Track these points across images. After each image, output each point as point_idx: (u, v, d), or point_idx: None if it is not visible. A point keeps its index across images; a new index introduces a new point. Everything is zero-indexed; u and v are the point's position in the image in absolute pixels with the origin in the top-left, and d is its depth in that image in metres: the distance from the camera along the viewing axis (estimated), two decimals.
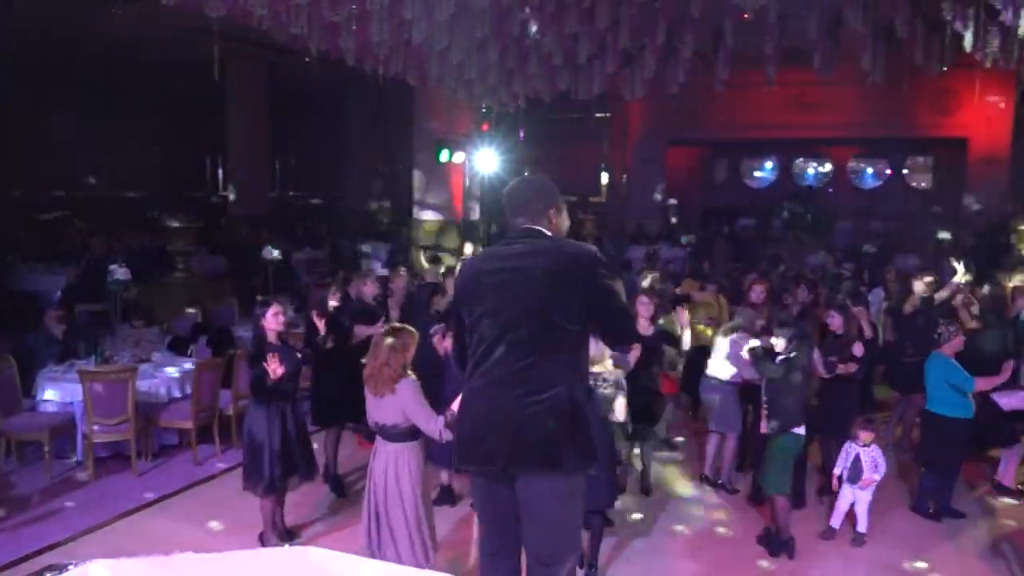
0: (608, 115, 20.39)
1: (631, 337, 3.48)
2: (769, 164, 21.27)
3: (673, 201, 20.34)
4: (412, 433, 4.28)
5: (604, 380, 4.94)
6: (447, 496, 6.02)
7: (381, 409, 4.26)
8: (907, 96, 16.63)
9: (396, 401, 4.20)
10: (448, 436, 3.94)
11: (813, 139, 18.91)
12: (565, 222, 3.26)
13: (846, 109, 17.23)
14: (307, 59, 12.27)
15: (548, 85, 12.04)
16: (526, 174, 3.51)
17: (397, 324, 4.60)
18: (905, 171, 20.11)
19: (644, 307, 6.08)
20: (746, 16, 8.56)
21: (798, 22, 10.30)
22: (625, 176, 21.32)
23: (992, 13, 9.42)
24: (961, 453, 5.93)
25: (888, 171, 20.34)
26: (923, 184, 20.04)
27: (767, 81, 12.58)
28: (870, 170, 20.51)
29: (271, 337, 5.16)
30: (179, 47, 13.54)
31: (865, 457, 5.44)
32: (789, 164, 20.96)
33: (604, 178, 22.32)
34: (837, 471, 5.58)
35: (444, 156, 14.70)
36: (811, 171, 20.98)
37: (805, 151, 20.42)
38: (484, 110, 13.73)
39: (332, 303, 6.11)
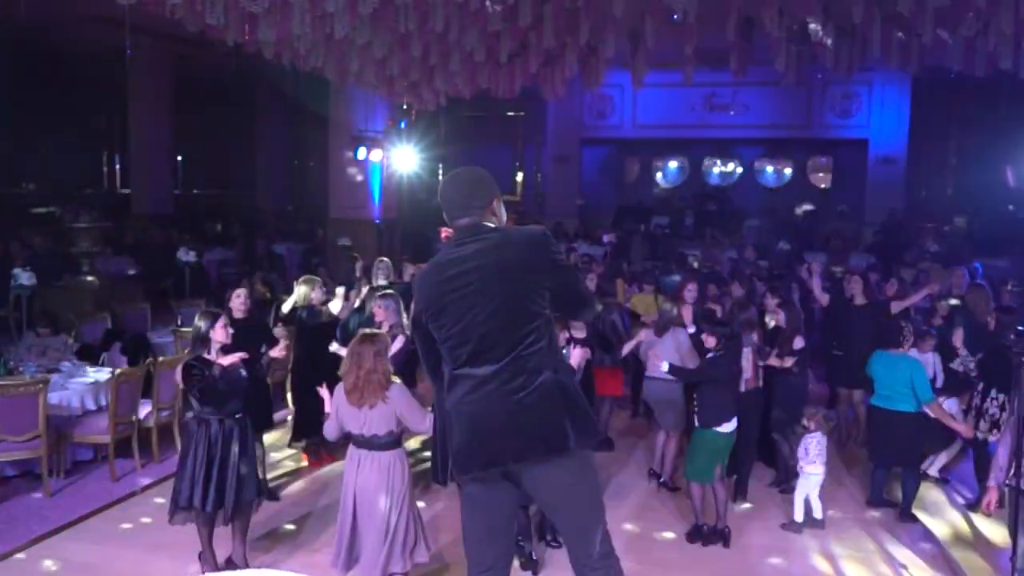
0: (522, 114, 20.43)
1: (593, 308, 3.45)
2: (674, 164, 21.65)
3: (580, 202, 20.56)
4: (400, 438, 4.23)
5: None
6: None
7: (369, 419, 4.14)
8: (812, 98, 17.36)
9: (388, 408, 4.12)
10: None
11: (723, 139, 19.38)
12: (503, 211, 3.25)
13: (755, 110, 17.76)
14: (224, 52, 11.84)
15: (469, 83, 11.93)
16: (456, 171, 3.36)
17: (368, 331, 4.42)
18: (809, 170, 20.85)
19: None
20: (676, 16, 8.63)
21: (714, 24, 10.52)
22: (539, 175, 21.44)
23: (897, 19, 9.86)
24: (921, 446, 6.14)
25: (788, 170, 20.98)
26: (823, 184, 20.81)
27: (684, 82, 12.87)
28: (770, 168, 21.12)
29: (214, 352, 4.78)
30: (80, 35, 12.81)
31: (813, 445, 5.62)
32: (699, 163, 21.42)
33: (519, 177, 22.36)
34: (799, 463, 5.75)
35: (362, 154, 14.40)
36: (717, 170, 21.49)
37: (715, 151, 20.93)
38: (404, 107, 13.50)
39: (239, 307, 5.79)
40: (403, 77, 11.19)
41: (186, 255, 10.06)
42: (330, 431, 4.36)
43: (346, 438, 4.34)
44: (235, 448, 4.70)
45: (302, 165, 22.48)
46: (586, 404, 3.11)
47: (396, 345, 5.67)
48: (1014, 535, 4.01)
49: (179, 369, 4.80)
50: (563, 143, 18.73)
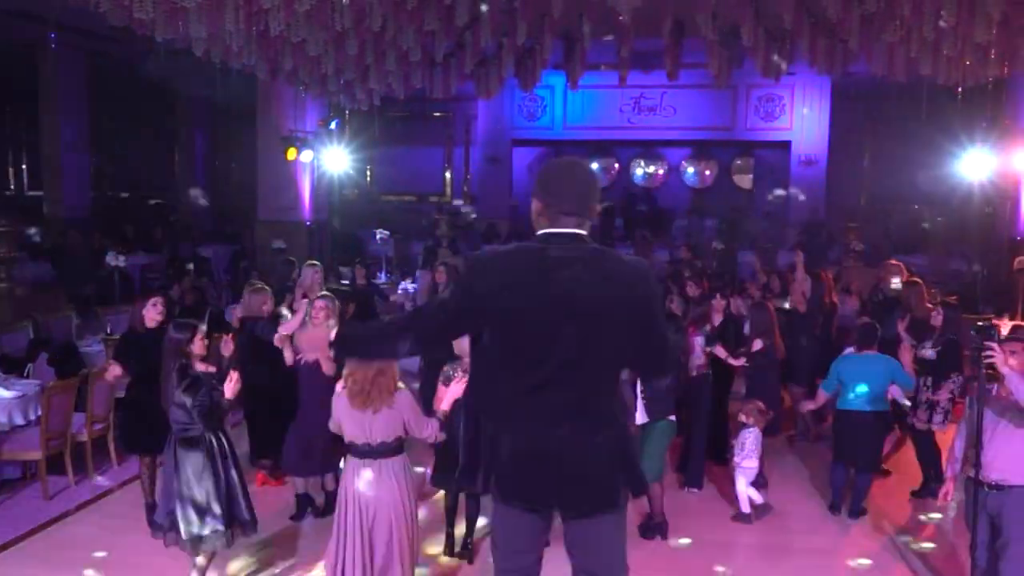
0: (451, 114, 20.28)
1: (669, 371, 3.25)
2: (602, 163, 21.85)
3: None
4: (402, 444, 4.13)
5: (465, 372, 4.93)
6: (306, 504, 5.79)
7: (374, 426, 4.00)
8: (737, 101, 17.77)
9: (394, 413, 4.00)
10: (443, 437, 4.18)
11: (650, 141, 19.65)
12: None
13: (682, 113, 18.07)
14: (143, 48, 11.39)
15: (404, 83, 11.78)
16: (571, 161, 2.94)
17: None
18: (733, 171, 21.34)
19: None
20: (621, 17, 8.69)
21: (650, 27, 10.65)
22: (467, 175, 21.31)
23: (825, 25, 10.16)
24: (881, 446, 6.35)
25: (709, 172, 21.41)
26: (746, 185, 21.31)
27: (619, 83, 13.01)
28: (692, 169, 21.50)
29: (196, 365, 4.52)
30: None
31: (750, 440, 5.73)
32: (626, 165, 21.68)
33: (448, 177, 22.20)
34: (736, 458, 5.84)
35: (291, 154, 14.03)
36: (642, 171, 21.77)
37: (642, 152, 21.22)
38: (339, 106, 13.23)
39: (153, 316, 5.42)
40: (337, 76, 10.97)
41: (115, 260, 9.59)
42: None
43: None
44: (233, 464, 4.51)
45: (224, 165, 21.80)
46: (638, 456, 3.00)
47: None
48: (974, 528, 4.14)
49: (172, 382, 4.42)
50: (494, 144, 18.68)
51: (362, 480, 4.04)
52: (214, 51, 9.90)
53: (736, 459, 5.87)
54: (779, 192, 17.89)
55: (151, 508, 5.40)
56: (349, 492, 4.08)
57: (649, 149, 20.79)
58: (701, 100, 17.72)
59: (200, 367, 4.51)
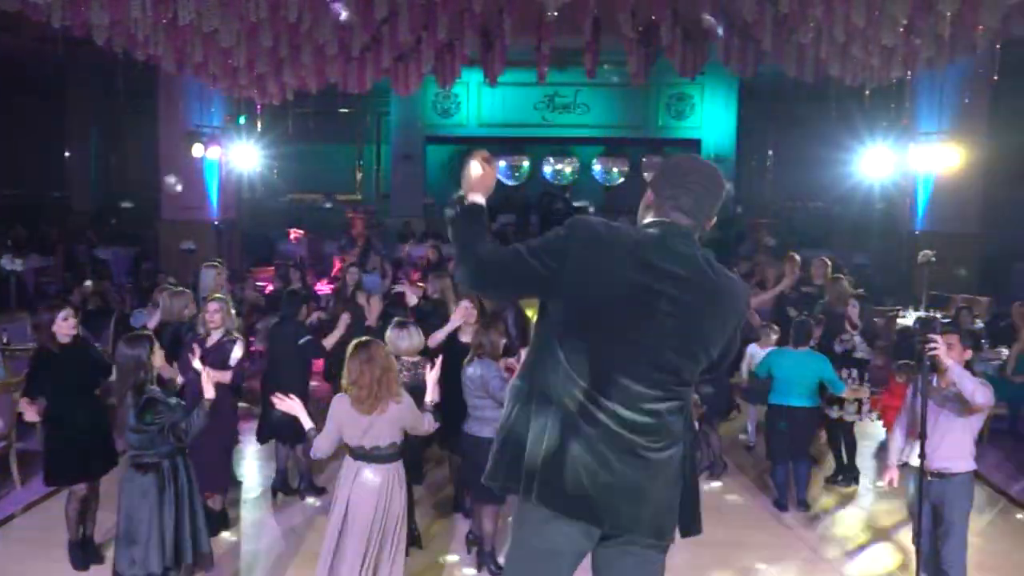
0: (362, 110, 19.87)
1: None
2: (516, 163, 21.86)
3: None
4: (402, 449, 4.11)
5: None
6: (221, 521, 5.49)
7: (375, 430, 3.98)
8: (648, 100, 18.04)
9: (396, 415, 4.01)
10: (437, 425, 4.28)
11: (564, 139, 19.75)
12: None
13: (595, 111, 18.24)
14: (33, 36, 10.68)
15: (318, 77, 11.42)
16: (705, 160, 2.68)
17: (363, 338, 4.19)
18: (644, 169, 21.68)
19: (467, 311, 5.84)
20: (549, 15, 8.62)
21: (569, 24, 10.64)
22: (377, 172, 20.94)
23: (740, 25, 10.38)
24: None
25: (620, 169, 21.69)
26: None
27: (534, 80, 12.96)
28: (602, 167, 21.74)
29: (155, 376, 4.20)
30: None
31: None
32: (539, 163, 21.73)
33: (360, 175, 21.77)
34: None
35: (197, 151, 13.44)
36: (553, 169, 21.88)
37: (555, 150, 21.32)
38: (248, 101, 12.72)
39: (66, 331, 4.87)
40: (249, 69, 10.53)
41: (11, 264, 8.90)
42: (323, 448, 4.08)
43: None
44: (188, 487, 4.13)
45: (121, 163, 20.73)
46: (698, 490, 2.66)
47: (235, 355, 5.24)
48: (918, 515, 4.24)
49: (127, 404, 3.99)
50: (408, 141, 18.38)
51: (355, 481, 3.99)
52: (116, 40, 9.36)
53: None
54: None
55: (75, 546, 4.97)
56: (341, 492, 4.01)
57: (561, 147, 20.92)
58: (614, 98, 17.92)
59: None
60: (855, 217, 15.48)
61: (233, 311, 5.74)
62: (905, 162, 13.05)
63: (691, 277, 2.40)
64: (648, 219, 2.51)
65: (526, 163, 21.38)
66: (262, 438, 6.14)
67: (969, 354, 4.41)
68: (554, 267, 2.37)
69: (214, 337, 5.27)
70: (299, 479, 6.16)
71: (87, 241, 14.76)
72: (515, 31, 10.64)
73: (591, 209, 19.53)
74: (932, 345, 3.97)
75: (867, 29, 8.92)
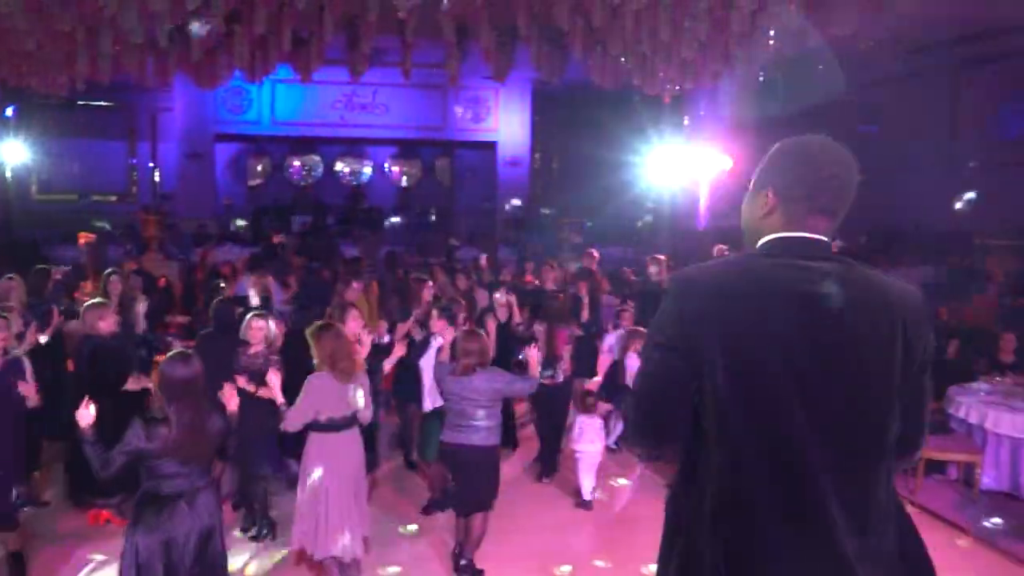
0: (133, 105, 18.45)
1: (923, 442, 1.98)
2: (308, 162, 21.35)
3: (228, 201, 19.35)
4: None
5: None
6: None
7: (349, 396, 4.47)
8: (447, 102, 18.35)
9: (365, 381, 4.61)
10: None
11: (361, 139, 19.59)
12: None
13: (395, 111, 18.26)
14: None
15: (115, 67, 10.53)
16: (831, 141, 1.88)
17: (322, 322, 4.75)
18: (437, 171, 21.97)
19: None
20: (400, 15, 8.60)
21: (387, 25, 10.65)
22: (157, 171, 19.57)
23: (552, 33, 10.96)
24: None
25: (413, 170, 21.87)
26: (447, 182, 22.11)
27: (329, 79, 12.74)
28: (396, 168, 21.85)
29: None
30: None
31: (587, 427, 6.06)
32: (332, 163, 21.36)
33: (135, 174, 20.16)
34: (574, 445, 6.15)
35: None
36: (347, 168, 21.63)
37: (348, 150, 21.08)
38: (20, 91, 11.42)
39: None
40: (40, 55, 9.49)
41: None
42: (296, 423, 4.41)
43: None
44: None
45: None
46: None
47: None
48: None
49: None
50: (196, 139, 17.33)
51: (338, 449, 4.45)
52: None
53: (573, 445, 6.15)
54: (516, 201, 18.62)
55: None
56: (326, 464, 4.41)
57: (354, 146, 20.72)
58: (413, 100, 18.05)
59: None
60: (654, 216, 16.64)
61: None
62: (689, 165, 14.40)
63: (854, 307, 1.79)
64: (765, 235, 1.91)
65: (319, 161, 20.96)
66: None
67: None
68: (707, 342, 1.81)
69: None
70: None
71: None
72: (336, 29, 10.48)
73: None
74: None
75: (671, 44, 9.82)
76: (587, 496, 6.12)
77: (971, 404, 6.60)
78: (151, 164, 19.66)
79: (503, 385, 4.79)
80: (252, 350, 5.17)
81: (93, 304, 5.57)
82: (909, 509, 1.93)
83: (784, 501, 1.72)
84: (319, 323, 4.64)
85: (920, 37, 12.31)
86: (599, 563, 5.26)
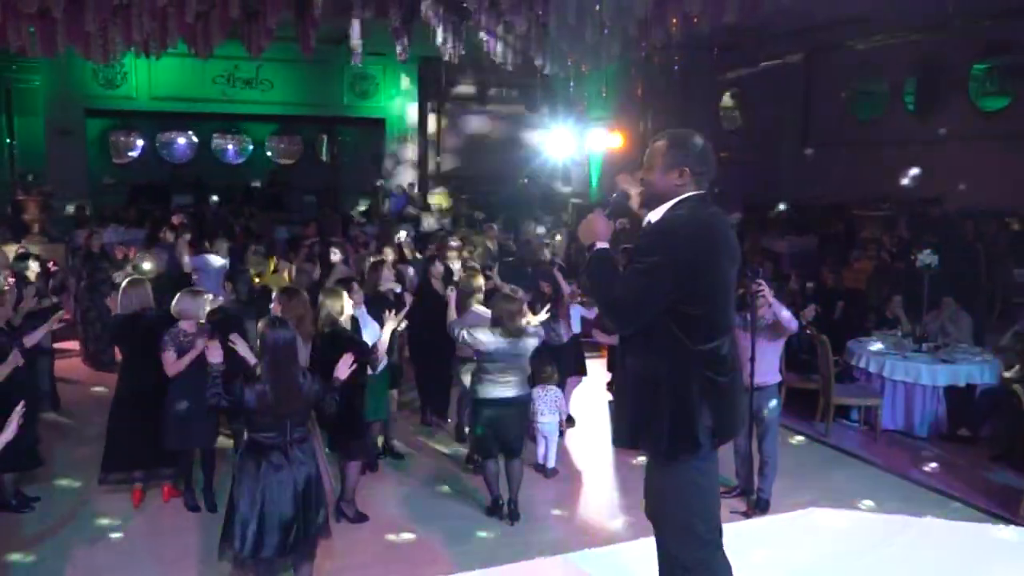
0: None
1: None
2: (182, 139, 20.52)
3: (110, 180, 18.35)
4: None
5: None
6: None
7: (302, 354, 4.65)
8: (332, 78, 18.06)
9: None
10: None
11: (243, 115, 19.01)
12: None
13: (279, 87, 17.80)
14: None
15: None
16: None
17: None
18: (320, 147, 21.64)
19: None
20: None
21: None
22: (13, 149, 18.17)
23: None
24: None
25: (295, 147, 21.46)
26: (325, 159, 21.79)
27: (250, 56, 12.35)
28: (281, 145, 21.41)
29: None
30: None
31: (544, 400, 6.28)
32: (208, 140, 20.63)
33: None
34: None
35: None
36: (227, 147, 20.99)
37: (225, 127, 20.41)
38: None
39: None
40: None
41: None
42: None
43: None
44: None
45: None
46: None
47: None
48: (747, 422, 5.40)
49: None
50: (64, 115, 16.24)
51: None
52: None
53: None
54: (408, 179, 18.49)
55: None
56: None
57: (232, 123, 20.10)
58: (298, 76, 17.65)
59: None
60: (545, 191, 16.99)
61: None
62: (582, 143, 14.97)
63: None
64: (681, 195, 3.02)
65: (182, 140, 20.17)
66: None
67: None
68: (698, 272, 3.05)
69: None
70: None
71: None
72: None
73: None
74: (759, 288, 5.11)
75: (576, 27, 10.20)
76: (551, 464, 6.33)
77: (869, 355, 7.48)
78: (9, 140, 18.25)
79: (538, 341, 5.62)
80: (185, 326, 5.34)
81: None
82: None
83: (732, 356, 3.13)
84: (287, 287, 5.38)
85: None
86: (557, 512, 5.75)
